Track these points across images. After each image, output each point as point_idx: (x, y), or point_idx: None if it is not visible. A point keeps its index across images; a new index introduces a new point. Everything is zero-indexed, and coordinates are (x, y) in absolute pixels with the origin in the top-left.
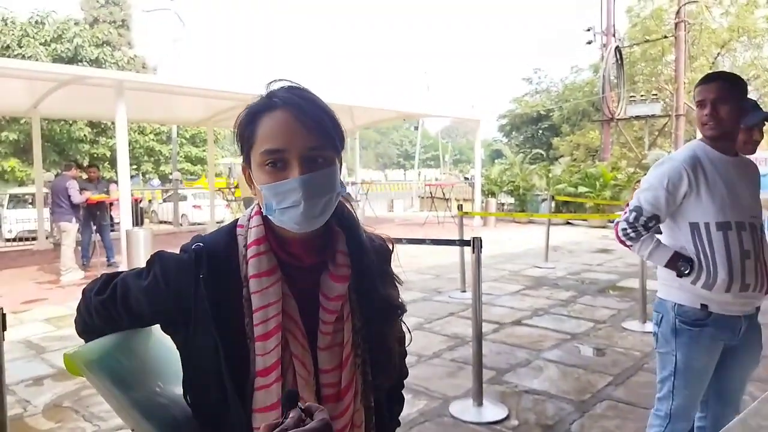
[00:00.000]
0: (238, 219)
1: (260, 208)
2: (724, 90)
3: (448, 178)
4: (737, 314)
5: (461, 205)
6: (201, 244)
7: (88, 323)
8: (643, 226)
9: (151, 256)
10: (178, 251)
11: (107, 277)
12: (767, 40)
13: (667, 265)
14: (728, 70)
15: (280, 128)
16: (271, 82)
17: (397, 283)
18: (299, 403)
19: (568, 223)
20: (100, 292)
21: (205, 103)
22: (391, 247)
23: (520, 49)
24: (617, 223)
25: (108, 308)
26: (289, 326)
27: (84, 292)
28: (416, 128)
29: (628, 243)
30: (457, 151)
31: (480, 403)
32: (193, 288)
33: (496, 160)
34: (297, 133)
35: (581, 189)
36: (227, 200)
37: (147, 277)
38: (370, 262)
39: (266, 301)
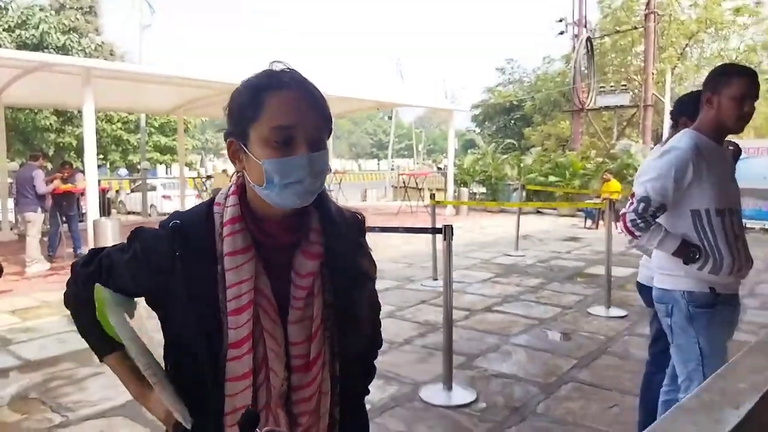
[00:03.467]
0: (215, 197)
1: (237, 188)
2: (757, 87)
3: (421, 167)
4: (735, 293)
5: (434, 194)
6: (178, 221)
7: (78, 295)
8: (651, 216)
9: (132, 231)
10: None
11: (93, 251)
12: (733, 32)
13: (675, 253)
14: (695, 61)
15: (292, 106)
16: (273, 62)
17: (369, 252)
18: (258, 429)
19: (539, 211)
20: (87, 264)
21: (176, 91)
22: (362, 217)
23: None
24: (623, 214)
25: (95, 280)
26: (261, 302)
27: (72, 266)
28: (390, 118)
29: (638, 233)
30: (431, 141)
31: (449, 388)
32: (170, 264)
33: (469, 150)
34: (307, 113)
35: (551, 178)
36: (199, 190)
37: (128, 250)
38: (342, 236)
39: (240, 277)
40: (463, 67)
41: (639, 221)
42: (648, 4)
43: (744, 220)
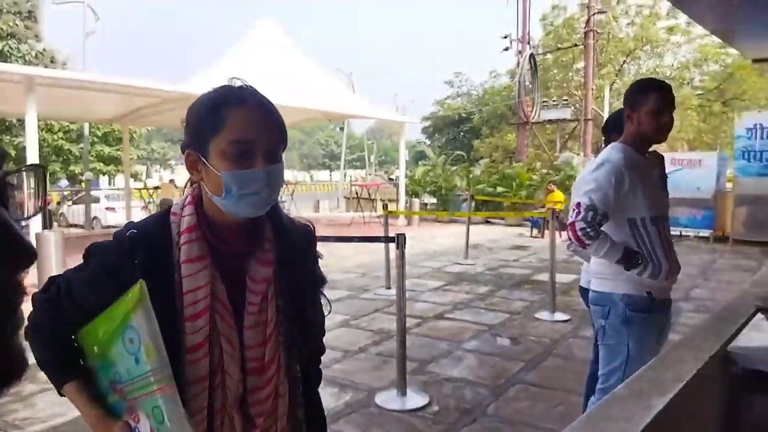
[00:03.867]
0: (171, 207)
1: (193, 199)
2: (672, 99)
3: (373, 178)
4: (668, 297)
5: (386, 204)
6: (135, 230)
7: (38, 323)
8: (598, 224)
9: (87, 249)
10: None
11: (51, 278)
12: (668, 50)
13: (619, 261)
14: (633, 78)
15: (251, 122)
16: (231, 79)
17: (318, 261)
18: None
19: (488, 221)
20: (45, 290)
21: (121, 100)
22: (312, 227)
23: (443, 53)
24: (572, 223)
25: (54, 304)
26: (217, 307)
27: (32, 296)
28: (342, 129)
29: (587, 242)
30: (383, 153)
31: (404, 393)
32: (130, 273)
33: (420, 162)
34: (264, 128)
35: (499, 189)
36: (146, 202)
37: (86, 269)
38: (293, 244)
39: (196, 284)
40: (414, 81)
41: (589, 230)
42: (588, 22)
43: (679, 228)
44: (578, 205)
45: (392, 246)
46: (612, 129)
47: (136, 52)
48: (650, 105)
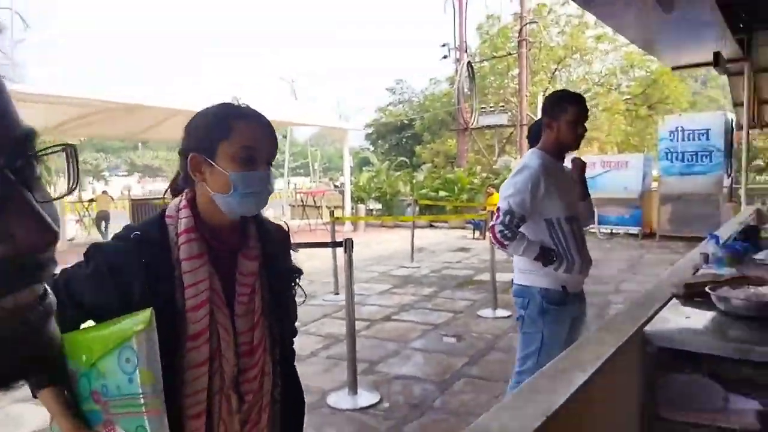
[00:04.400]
0: (164, 210)
1: (188, 203)
2: (586, 110)
3: (318, 185)
4: (580, 291)
5: (333, 211)
6: (138, 232)
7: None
8: (516, 227)
9: (89, 248)
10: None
11: None
12: (596, 57)
13: (536, 258)
14: (564, 85)
15: (257, 132)
16: (233, 98)
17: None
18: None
19: (431, 225)
20: None
21: (53, 110)
22: (286, 227)
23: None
24: (492, 227)
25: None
26: (214, 299)
27: None
28: (285, 136)
29: (506, 243)
30: (327, 159)
31: (355, 392)
32: (135, 272)
33: (364, 168)
34: (266, 140)
35: (442, 193)
36: (80, 215)
37: (87, 266)
38: (274, 242)
39: (196, 279)
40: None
41: (506, 232)
42: (520, 32)
43: (610, 227)
44: (498, 209)
45: (340, 252)
46: (535, 136)
47: (96, 64)
48: (569, 116)
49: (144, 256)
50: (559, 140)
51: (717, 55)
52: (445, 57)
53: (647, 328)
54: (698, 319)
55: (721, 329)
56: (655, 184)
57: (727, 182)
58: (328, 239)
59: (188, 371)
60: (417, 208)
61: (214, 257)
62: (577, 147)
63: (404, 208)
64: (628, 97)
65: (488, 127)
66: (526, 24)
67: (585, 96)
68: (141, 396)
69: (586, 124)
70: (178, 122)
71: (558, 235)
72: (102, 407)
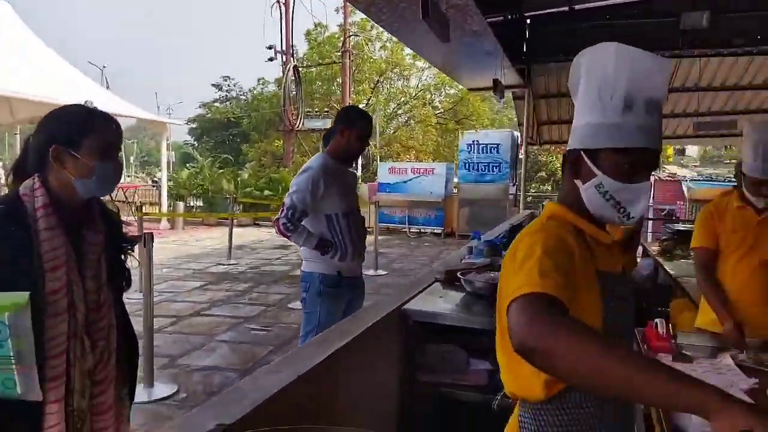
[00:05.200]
0: (18, 190)
1: (41, 184)
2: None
3: (133, 180)
4: (357, 275)
5: (141, 206)
6: (2, 206)
7: None
8: (298, 220)
9: None
10: None
11: None
12: (413, 73)
13: (316, 248)
14: (385, 96)
15: (113, 130)
16: (86, 101)
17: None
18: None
19: (256, 223)
20: None
21: None
22: (117, 208)
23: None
24: (277, 219)
25: None
26: (69, 262)
27: None
28: None
29: (288, 234)
30: (145, 153)
31: (151, 385)
32: (4, 240)
33: (187, 164)
34: (118, 135)
35: (266, 192)
36: None
37: None
38: (113, 218)
39: (53, 246)
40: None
41: (289, 224)
42: (344, 44)
43: (419, 227)
44: (283, 204)
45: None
46: (327, 141)
47: None
48: (360, 131)
49: (7, 227)
50: (346, 148)
51: (496, 81)
52: (271, 59)
53: (407, 306)
54: (450, 298)
55: (467, 306)
56: (456, 190)
57: (512, 190)
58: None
59: (49, 319)
60: (238, 206)
61: (67, 230)
62: (357, 157)
63: (227, 205)
64: (440, 111)
65: (313, 130)
66: (350, 36)
67: (402, 108)
68: (13, 359)
69: (404, 133)
70: None
71: (336, 229)
72: None
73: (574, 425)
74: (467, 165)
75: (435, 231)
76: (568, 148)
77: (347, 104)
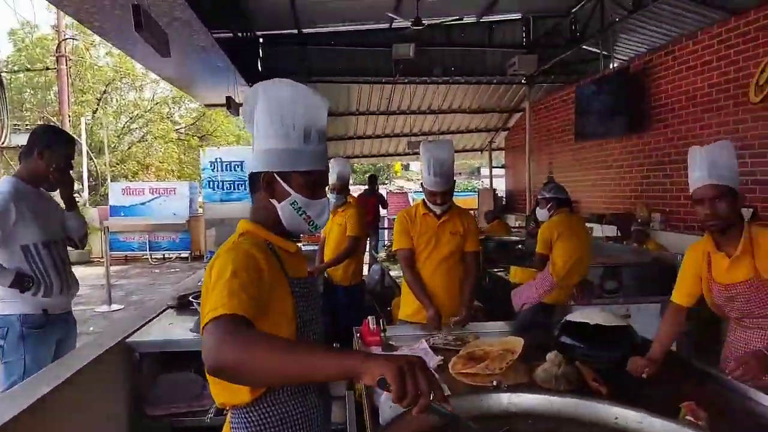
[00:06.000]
0: None
1: None
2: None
3: None
4: (67, 311)
5: None
6: None
7: None
8: None
9: None
10: None
11: None
12: (147, 85)
13: (12, 285)
14: (116, 108)
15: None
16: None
17: None
18: None
19: None
20: None
21: None
22: None
23: None
24: None
25: None
26: None
27: None
28: None
29: None
30: None
31: None
32: None
33: None
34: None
35: None
36: None
37: None
38: None
39: None
40: None
41: None
42: (58, 47)
43: (162, 252)
44: None
45: None
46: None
47: None
48: (60, 154)
49: None
50: (38, 172)
51: (228, 99)
52: None
53: (132, 338)
54: (183, 323)
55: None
56: (201, 210)
57: None
58: None
59: None
60: None
61: None
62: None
63: None
64: (181, 126)
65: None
66: (66, 39)
67: (136, 122)
68: None
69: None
70: None
71: (35, 261)
72: None
73: (282, 418)
74: (211, 183)
75: (182, 255)
76: (253, 170)
77: (66, 116)
